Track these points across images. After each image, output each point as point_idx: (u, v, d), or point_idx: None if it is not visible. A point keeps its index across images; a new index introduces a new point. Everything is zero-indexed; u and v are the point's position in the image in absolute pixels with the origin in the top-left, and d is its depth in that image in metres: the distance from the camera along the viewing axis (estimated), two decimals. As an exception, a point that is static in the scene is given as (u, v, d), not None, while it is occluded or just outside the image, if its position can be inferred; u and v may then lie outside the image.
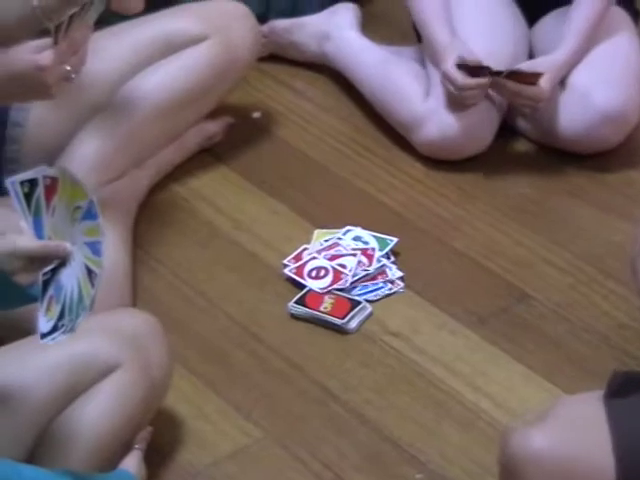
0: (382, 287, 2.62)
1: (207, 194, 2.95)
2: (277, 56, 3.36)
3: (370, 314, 2.55)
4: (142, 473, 2.14)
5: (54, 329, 1.86)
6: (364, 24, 3.34)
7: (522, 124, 3.05)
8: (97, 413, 2.12)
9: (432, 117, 2.94)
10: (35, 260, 1.92)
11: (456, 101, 2.91)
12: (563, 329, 2.53)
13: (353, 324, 2.51)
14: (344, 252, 2.69)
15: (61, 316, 1.87)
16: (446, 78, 2.86)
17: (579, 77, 2.91)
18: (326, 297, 2.57)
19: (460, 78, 2.82)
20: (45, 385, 2.10)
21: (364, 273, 2.63)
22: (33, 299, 1.92)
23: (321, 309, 2.54)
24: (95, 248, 1.88)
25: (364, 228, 2.76)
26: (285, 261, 2.69)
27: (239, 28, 2.97)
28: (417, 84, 3.04)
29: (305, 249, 2.72)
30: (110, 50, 2.84)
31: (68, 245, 1.90)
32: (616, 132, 2.89)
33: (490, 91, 2.90)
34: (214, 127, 3.08)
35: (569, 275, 2.70)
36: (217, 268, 2.77)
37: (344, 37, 3.26)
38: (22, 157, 2.70)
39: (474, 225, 2.84)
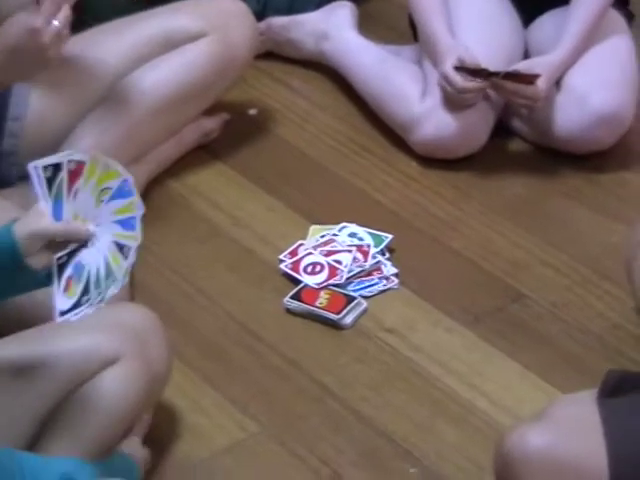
0: (377, 283, 2.61)
1: (204, 191, 2.95)
2: (274, 54, 3.36)
3: (365, 310, 2.54)
4: (144, 455, 2.17)
5: (76, 305, 1.87)
6: (361, 23, 3.34)
7: (517, 124, 3.05)
8: (97, 405, 2.12)
9: (429, 117, 2.94)
10: (54, 242, 1.92)
11: (453, 102, 2.92)
12: (558, 329, 2.52)
13: (348, 320, 2.50)
14: (339, 248, 2.69)
15: (85, 292, 1.88)
16: (445, 80, 2.86)
17: (575, 78, 2.91)
18: (322, 292, 2.57)
19: (460, 81, 2.83)
20: (48, 376, 2.10)
21: (359, 269, 2.63)
22: (43, 284, 1.93)
23: (317, 304, 2.53)
24: (129, 223, 1.90)
25: (359, 225, 2.76)
26: (281, 256, 2.69)
27: (237, 25, 2.97)
28: (414, 84, 3.04)
29: (301, 245, 2.72)
30: (110, 45, 2.84)
31: (90, 227, 1.90)
32: (611, 134, 2.89)
33: (488, 90, 2.91)
34: (211, 124, 3.07)
35: (564, 276, 2.69)
36: (215, 265, 2.76)
37: (342, 36, 3.26)
38: (20, 150, 2.68)
39: (469, 224, 2.84)
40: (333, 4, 3.39)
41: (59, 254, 1.91)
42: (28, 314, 2.28)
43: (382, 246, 2.70)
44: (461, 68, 2.84)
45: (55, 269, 1.91)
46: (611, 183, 2.94)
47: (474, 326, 2.54)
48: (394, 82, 3.07)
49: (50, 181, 1.94)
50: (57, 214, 1.92)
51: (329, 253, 2.67)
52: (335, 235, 2.73)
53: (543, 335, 2.53)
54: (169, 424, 2.32)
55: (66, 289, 1.90)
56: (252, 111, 3.19)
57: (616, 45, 2.99)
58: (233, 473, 2.24)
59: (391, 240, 2.71)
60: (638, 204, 2.81)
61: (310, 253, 2.69)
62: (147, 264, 2.65)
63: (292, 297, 2.57)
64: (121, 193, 1.92)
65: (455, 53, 2.88)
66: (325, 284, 2.59)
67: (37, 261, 1.91)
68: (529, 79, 2.83)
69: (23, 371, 2.13)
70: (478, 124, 2.95)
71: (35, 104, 2.74)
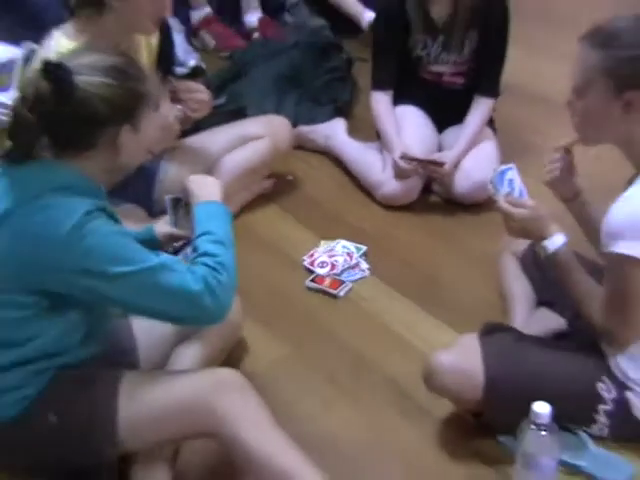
0: (357, 273, 2.79)
1: (263, 225, 3.04)
2: (302, 147, 3.42)
3: (350, 288, 2.72)
4: None
5: None
6: (349, 129, 3.44)
7: (435, 187, 3.18)
8: (197, 351, 2.18)
9: (386, 182, 3.08)
10: (172, 239, 2.18)
11: (399, 174, 3.03)
12: (469, 298, 2.67)
13: (341, 293, 2.70)
14: (337, 253, 2.85)
15: None
16: (395, 163, 3.00)
17: (465, 163, 3.04)
18: (327, 278, 2.75)
19: (403, 165, 2.98)
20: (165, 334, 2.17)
21: (348, 265, 2.80)
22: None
23: (324, 285, 2.73)
24: None
25: (348, 240, 2.91)
26: (304, 257, 2.84)
27: (281, 132, 3.12)
28: (377, 163, 3.15)
29: (315, 251, 2.87)
30: (214, 138, 3.00)
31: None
32: (481, 193, 2.91)
33: (419, 169, 3.01)
34: (267, 183, 3.18)
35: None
36: (267, 263, 2.87)
37: (338, 137, 3.37)
38: (154, 201, 2.82)
39: (408, 239, 2.98)
40: (334, 119, 3.47)
41: (175, 246, 2.20)
42: None
43: (360, 253, 2.86)
44: (404, 156, 2.97)
45: (172, 252, 2.15)
46: (480, 222, 3.01)
47: (415, 297, 2.68)
48: (366, 162, 3.21)
49: (175, 205, 2.18)
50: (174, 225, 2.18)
51: (331, 256, 2.84)
52: (334, 246, 2.89)
53: (455, 303, 2.66)
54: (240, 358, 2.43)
55: None
56: (289, 177, 3.28)
57: (487, 147, 3.12)
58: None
59: (366, 249, 2.88)
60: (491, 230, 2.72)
61: (320, 255, 2.85)
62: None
63: (310, 281, 2.75)
64: None
65: (400, 148, 3.00)
66: (329, 274, 2.77)
67: (166, 247, 2.18)
68: (441, 164, 2.98)
69: None
70: (413, 187, 3.07)
71: (171, 172, 2.88)
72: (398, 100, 3.20)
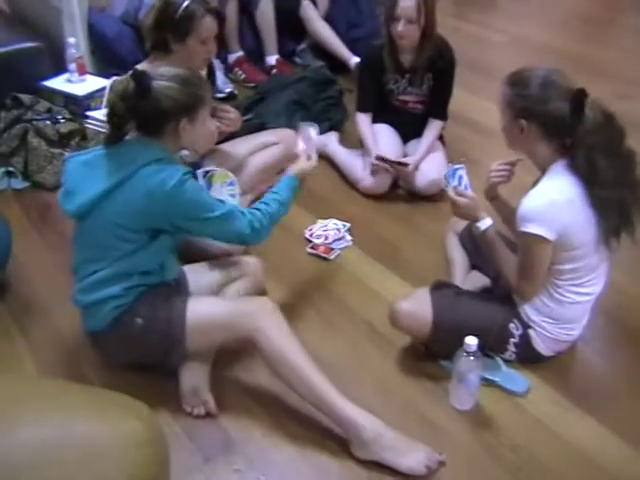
0: (344, 243, 2.77)
1: None
2: None
3: (339, 254, 2.70)
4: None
5: None
6: (340, 140, 3.41)
7: (401, 183, 3.12)
8: (235, 294, 2.23)
9: (365, 178, 3.07)
10: None
11: (375, 172, 3.02)
12: (423, 263, 2.63)
13: (332, 257, 2.69)
14: (329, 228, 2.83)
15: None
16: (373, 163, 2.99)
17: (423, 166, 3.01)
18: (322, 247, 2.72)
19: (377, 163, 2.97)
20: (211, 281, 2.24)
21: (337, 237, 2.78)
22: None
23: (319, 251, 2.71)
24: (232, 184, 2.23)
25: (337, 219, 2.88)
26: (305, 231, 2.82)
27: (291, 140, 2.75)
28: (359, 165, 3.12)
29: (313, 227, 2.84)
30: (242, 145, 2.93)
31: (218, 196, 2.11)
32: (436, 188, 2.98)
33: (389, 169, 3.00)
34: (278, 179, 2.89)
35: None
36: (279, 235, 2.53)
37: (332, 146, 3.33)
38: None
39: (380, 220, 2.94)
40: (329, 133, 3.42)
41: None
42: (198, 249, 2.39)
43: (346, 228, 2.83)
44: (378, 157, 2.96)
45: None
46: (433, 209, 3.00)
47: (382, 261, 2.66)
48: (351, 163, 3.18)
49: (205, 176, 2.20)
50: (207, 190, 2.16)
51: (324, 230, 2.82)
52: (327, 223, 2.87)
53: (414, 266, 2.63)
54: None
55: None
56: None
57: (438, 155, 3.09)
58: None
59: (350, 226, 2.85)
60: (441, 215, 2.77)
61: (317, 230, 2.83)
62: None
63: (309, 248, 2.72)
64: (231, 183, 2.22)
65: (375, 152, 2.99)
66: (323, 243, 2.75)
67: None
68: (406, 165, 2.96)
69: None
70: (384, 183, 3.05)
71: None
72: (376, 120, 3.16)
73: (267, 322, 1.88)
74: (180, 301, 1.94)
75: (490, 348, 2.15)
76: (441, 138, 3.21)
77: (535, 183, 2.01)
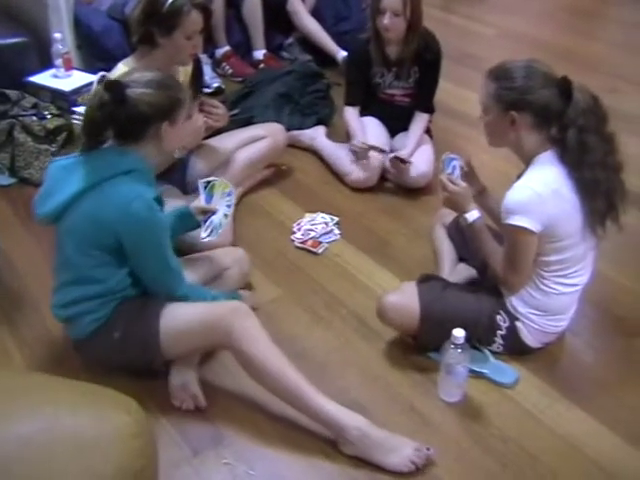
0: (332, 237, 2.77)
1: (264, 201, 3.02)
2: (293, 145, 3.33)
3: (327, 248, 2.71)
4: (249, 299, 2.29)
5: (208, 236, 2.18)
6: (327, 133, 3.40)
7: (389, 176, 3.10)
8: (225, 286, 2.28)
9: (352, 172, 3.08)
10: (203, 211, 2.22)
11: (359, 156, 3.02)
12: (411, 256, 2.66)
13: (320, 250, 2.69)
14: (317, 222, 2.84)
15: (210, 232, 2.17)
16: (355, 146, 3.01)
17: (413, 159, 3.01)
18: (310, 240, 2.73)
19: (360, 146, 2.99)
20: (199, 274, 2.25)
21: (325, 231, 2.79)
22: (197, 227, 2.22)
23: (307, 245, 2.71)
24: (230, 194, 2.25)
25: (326, 213, 2.89)
26: (293, 224, 2.83)
27: (278, 134, 3.09)
28: (346, 158, 3.11)
29: (301, 220, 2.86)
30: (229, 139, 2.96)
31: (217, 207, 2.21)
32: (425, 181, 3.02)
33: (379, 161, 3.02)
34: (268, 171, 3.15)
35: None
36: (267, 227, 2.85)
37: (319, 139, 3.34)
38: (187, 184, 2.81)
39: (368, 213, 2.95)
40: (317, 127, 3.43)
41: (205, 217, 2.22)
42: (188, 243, 2.38)
43: (334, 222, 2.84)
44: (362, 142, 2.97)
45: (202, 221, 2.21)
46: (421, 202, 3.02)
47: (371, 254, 2.68)
48: (338, 157, 3.18)
49: (205, 187, 2.23)
50: (207, 201, 2.22)
51: (313, 224, 2.83)
52: (315, 217, 2.88)
53: (401, 259, 2.64)
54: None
55: (205, 229, 2.18)
56: (284, 167, 3.21)
57: (426, 148, 3.10)
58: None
59: (338, 220, 2.85)
60: (428, 207, 2.86)
61: (305, 224, 2.84)
62: (240, 232, 2.75)
63: (298, 242, 2.73)
64: (229, 193, 2.23)
65: (360, 137, 3.02)
66: (312, 237, 2.75)
67: (199, 217, 2.23)
68: (405, 161, 2.97)
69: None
70: (372, 176, 3.05)
71: (197, 164, 2.85)
72: (363, 113, 3.17)
73: (241, 329, 1.87)
74: (154, 312, 1.93)
75: (478, 340, 2.17)
76: (428, 131, 3.22)
77: (520, 176, 2.03)
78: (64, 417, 1.36)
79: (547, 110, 1.92)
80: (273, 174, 3.19)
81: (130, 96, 1.81)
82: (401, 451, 1.79)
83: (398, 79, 3.06)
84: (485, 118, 2.04)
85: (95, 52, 3.63)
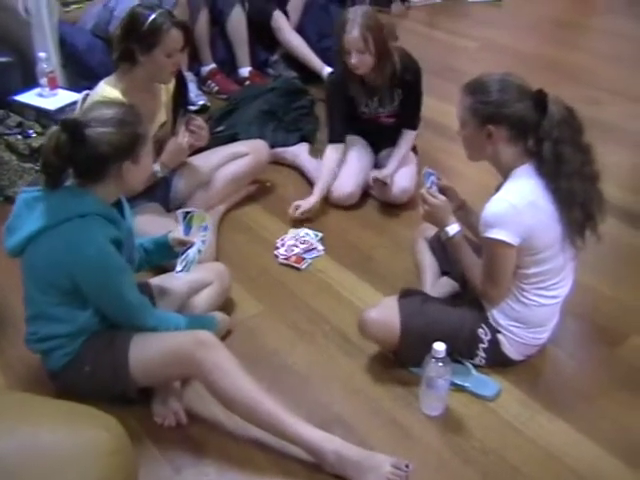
0: (315, 253, 2.78)
1: (247, 216, 3.03)
2: (277, 162, 3.36)
3: (310, 264, 2.72)
4: (225, 321, 2.29)
5: (182, 270, 2.13)
6: (311, 150, 3.40)
7: (372, 192, 3.14)
8: (203, 300, 2.32)
9: (335, 189, 3.08)
10: (180, 243, 2.18)
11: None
12: (393, 270, 2.65)
13: (303, 266, 2.70)
14: (301, 238, 2.85)
15: (184, 266, 2.13)
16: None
17: (396, 176, 3.03)
18: (293, 256, 2.74)
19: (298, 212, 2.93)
20: (181, 290, 2.28)
21: (308, 247, 2.79)
22: (176, 257, 2.16)
23: (291, 261, 2.72)
24: (206, 229, 2.21)
25: (309, 229, 2.90)
26: (277, 240, 2.83)
27: (261, 151, 3.10)
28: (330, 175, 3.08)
29: (285, 236, 2.86)
30: (213, 156, 2.98)
31: (194, 240, 2.17)
32: (407, 197, 3.05)
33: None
34: (251, 188, 3.16)
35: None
36: (250, 244, 2.86)
37: (302, 156, 3.35)
38: (170, 202, 2.82)
39: (351, 229, 2.95)
40: (300, 144, 3.44)
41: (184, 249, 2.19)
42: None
43: (318, 238, 2.85)
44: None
45: (180, 253, 2.16)
46: (404, 217, 3.03)
47: (354, 270, 2.68)
48: (322, 174, 3.10)
49: (185, 218, 2.20)
50: (185, 233, 2.20)
51: (296, 240, 2.83)
52: (299, 232, 2.88)
53: (384, 273, 2.65)
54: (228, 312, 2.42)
55: (181, 262, 2.14)
56: (268, 183, 3.23)
57: (411, 166, 3.13)
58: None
59: (322, 235, 2.86)
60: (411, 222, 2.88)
61: (289, 240, 2.84)
62: (224, 248, 2.78)
63: (282, 258, 2.73)
64: (205, 228, 2.20)
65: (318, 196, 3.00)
66: (295, 253, 2.76)
67: (176, 249, 2.19)
68: (385, 183, 3.00)
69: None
70: (354, 193, 3.08)
71: (180, 182, 2.85)
72: (348, 131, 3.16)
73: (208, 362, 1.86)
74: (122, 346, 1.93)
75: (459, 354, 2.19)
76: (414, 148, 3.24)
77: (498, 188, 2.05)
78: (43, 434, 1.39)
79: (523, 123, 1.94)
80: (257, 190, 3.19)
81: (90, 136, 1.78)
82: (379, 469, 1.78)
83: (383, 105, 3.08)
84: (463, 132, 2.06)
85: (79, 70, 3.65)
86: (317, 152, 3.36)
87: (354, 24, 2.77)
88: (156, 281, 2.29)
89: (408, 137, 3.12)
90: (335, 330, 2.38)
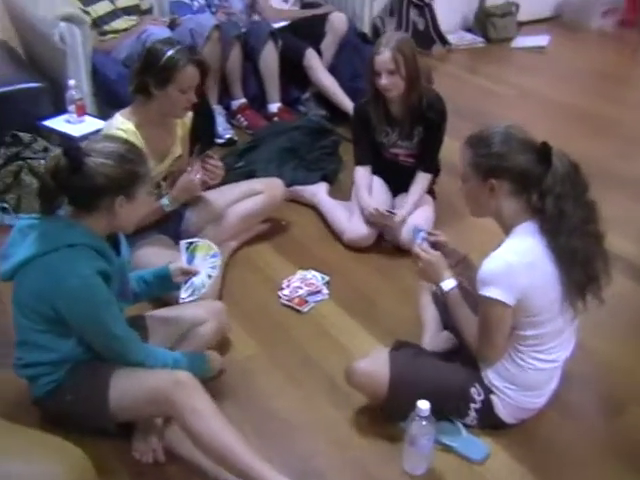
0: (319, 296, 2.76)
1: (257, 256, 3.04)
2: (295, 200, 3.39)
3: (313, 307, 2.71)
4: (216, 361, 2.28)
5: (188, 296, 2.16)
6: (333, 190, 3.43)
7: (387, 237, 3.10)
8: (198, 338, 2.29)
9: (348, 231, 3.08)
10: (183, 272, 2.21)
11: (368, 219, 3.00)
12: (397, 320, 2.61)
13: (305, 309, 2.69)
14: (307, 280, 2.83)
15: (192, 293, 2.16)
16: (369, 213, 2.99)
17: (409, 220, 2.98)
18: (296, 298, 2.73)
19: (375, 213, 2.97)
20: (184, 320, 2.29)
21: (313, 290, 2.78)
22: (177, 288, 2.20)
23: (293, 302, 2.71)
24: (215, 256, 2.25)
25: (317, 271, 2.89)
26: (283, 280, 2.84)
27: (276, 190, 3.10)
28: (345, 217, 3.13)
29: (292, 277, 2.85)
30: (226, 192, 2.98)
31: (198, 269, 2.20)
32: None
33: (383, 219, 2.99)
34: (263, 226, 3.16)
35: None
36: (257, 282, 2.87)
37: (320, 196, 3.35)
38: (181, 235, 2.73)
39: (360, 274, 2.93)
40: (319, 183, 3.44)
41: (187, 278, 2.21)
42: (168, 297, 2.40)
43: (324, 281, 2.83)
44: (376, 209, 2.95)
45: (183, 283, 2.20)
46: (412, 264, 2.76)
47: (356, 317, 2.65)
48: (337, 215, 3.20)
49: (187, 248, 2.23)
50: (189, 262, 2.22)
51: (302, 281, 2.82)
52: (306, 274, 2.87)
53: (387, 323, 2.61)
54: (223, 351, 2.43)
55: (186, 289, 2.17)
56: (283, 222, 3.24)
57: (426, 209, 3.10)
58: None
59: (329, 279, 2.85)
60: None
61: (295, 281, 2.83)
62: (229, 285, 2.81)
63: (284, 299, 2.73)
64: (214, 255, 2.23)
65: (373, 204, 3.00)
66: (299, 295, 2.75)
67: (177, 279, 2.22)
68: (394, 214, 2.99)
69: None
70: (369, 235, 3.06)
71: (192, 216, 2.88)
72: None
73: (184, 404, 1.86)
74: (103, 380, 1.94)
75: (450, 412, 2.14)
76: (432, 192, 3.23)
77: (499, 245, 2.00)
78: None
79: (525, 176, 1.91)
80: (269, 229, 3.20)
81: (88, 165, 1.80)
82: None
83: (402, 138, 3.08)
84: (465, 187, 2.04)
85: (110, 100, 3.70)
86: (337, 192, 3.40)
87: (387, 45, 2.83)
88: (161, 311, 2.33)
89: (422, 180, 3.11)
90: (326, 377, 2.36)
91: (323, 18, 4.34)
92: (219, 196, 2.96)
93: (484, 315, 2.00)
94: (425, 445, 1.98)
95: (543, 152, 1.90)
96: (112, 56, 3.89)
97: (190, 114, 2.84)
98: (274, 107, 4.25)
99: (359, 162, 3.17)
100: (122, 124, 2.55)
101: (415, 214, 3.05)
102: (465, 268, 2.27)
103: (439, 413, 2.03)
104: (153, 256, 2.56)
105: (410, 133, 3.06)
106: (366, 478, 1.99)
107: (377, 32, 4.96)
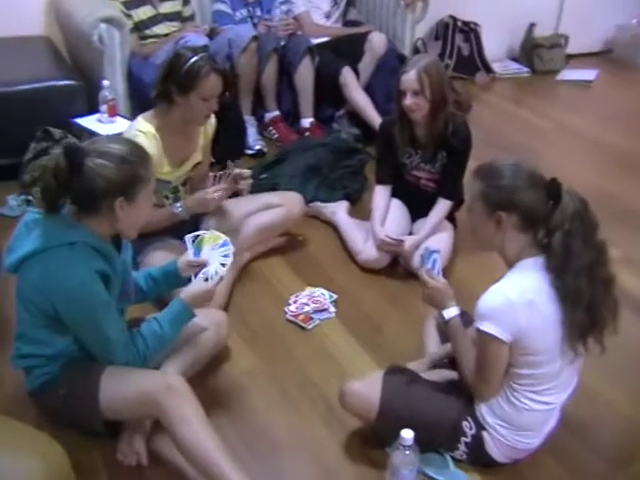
0: (325, 315, 2.76)
1: (268, 269, 3.05)
2: (316, 217, 3.42)
3: (317, 325, 2.70)
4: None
5: None
6: (354, 209, 3.44)
7: (400, 260, 3.09)
8: (199, 343, 2.29)
9: (363, 251, 3.08)
10: (191, 265, 2.20)
11: (379, 247, 3.03)
12: (400, 346, 2.61)
13: (310, 326, 2.69)
14: (315, 297, 2.83)
15: (205, 280, 2.13)
16: (379, 240, 3.01)
17: (425, 244, 2.88)
18: (302, 314, 2.73)
19: (385, 240, 2.98)
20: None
21: (320, 307, 2.78)
22: (186, 284, 2.17)
23: (298, 319, 2.71)
24: (226, 244, 2.22)
25: (326, 289, 2.89)
26: (290, 296, 2.84)
27: (295, 205, 3.11)
28: (360, 238, 3.14)
29: (300, 293, 2.86)
30: (245, 204, 2.98)
31: (207, 259, 2.18)
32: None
33: (393, 247, 3.02)
34: (279, 240, 3.18)
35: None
36: (264, 298, 2.87)
37: (339, 214, 3.36)
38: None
39: (369, 296, 2.91)
40: (340, 201, 3.45)
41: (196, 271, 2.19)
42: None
43: (332, 299, 2.83)
44: (385, 237, 2.97)
45: (193, 275, 2.18)
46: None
47: (359, 339, 2.64)
48: (353, 235, 3.20)
49: (194, 242, 2.22)
50: (196, 255, 2.21)
51: (310, 298, 2.82)
52: (314, 292, 2.87)
53: (390, 349, 2.59)
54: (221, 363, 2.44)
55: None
56: (300, 237, 3.26)
57: (444, 236, 3.06)
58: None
59: (337, 298, 2.85)
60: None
61: (302, 297, 2.84)
62: (236, 297, 2.80)
63: (289, 314, 2.73)
64: (223, 244, 2.22)
65: (382, 232, 3.01)
66: (304, 311, 2.75)
67: (185, 273, 2.21)
68: (402, 241, 2.98)
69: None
70: (383, 258, 3.05)
71: (210, 224, 2.81)
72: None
73: (172, 409, 1.87)
74: (95, 379, 1.95)
75: (440, 444, 2.11)
76: (453, 219, 3.20)
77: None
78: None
79: (534, 211, 1.89)
80: (285, 243, 3.20)
81: (88, 165, 1.80)
82: None
83: (425, 162, 3.07)
84: (471, 219, 2.01)
85: (142, 103, 3.72)
86: (359, 211, 3.39)
87: (414, 66, 2.84)
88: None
89: (442, 206, 3.08)
90: (323, 399, 2.34)
91: (363, 37, 4.35)
92: (237, 206, 2.97)
93: (480, 350, 1.97)
94: (407, 476, 1.93)
95: (553, 188, 1.89)
96: (150, 61, 3.94)
97: (213, 122, 2.89)
98: (306, 122, 4.28)
99: (379, 181, 3.18)
100: (143, 126, 2.59)
101: (431, 239, 3.02)
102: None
103: (429, 444, 2.02)
104: (162, 260, 2.54)
105: (433, 157, 3.05)
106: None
107: (418, 55, 4.95)
